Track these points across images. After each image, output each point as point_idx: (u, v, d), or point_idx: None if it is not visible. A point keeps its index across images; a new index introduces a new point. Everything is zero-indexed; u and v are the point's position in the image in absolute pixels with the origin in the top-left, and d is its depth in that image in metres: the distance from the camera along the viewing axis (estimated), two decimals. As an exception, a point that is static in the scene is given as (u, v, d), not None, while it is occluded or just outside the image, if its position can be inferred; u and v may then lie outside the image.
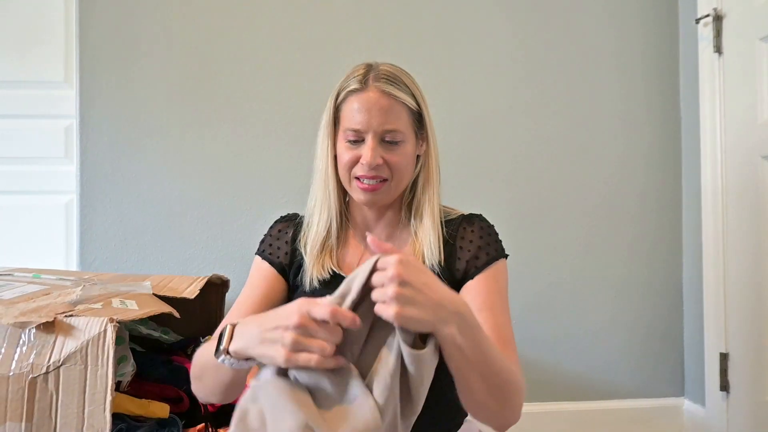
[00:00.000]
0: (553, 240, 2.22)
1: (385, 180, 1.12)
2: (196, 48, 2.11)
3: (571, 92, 2.22)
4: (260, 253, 1.24)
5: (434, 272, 1.10)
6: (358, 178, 1.12)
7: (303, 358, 0.78)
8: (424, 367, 0.81)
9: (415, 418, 0.84)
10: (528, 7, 2.22)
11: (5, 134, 2.22)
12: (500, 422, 0.97)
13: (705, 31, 2.08)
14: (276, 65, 2.13)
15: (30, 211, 2.22)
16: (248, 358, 0.85)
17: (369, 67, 1.13)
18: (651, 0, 2.26)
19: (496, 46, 2.21)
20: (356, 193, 1.14)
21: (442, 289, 0.83)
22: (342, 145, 1.13)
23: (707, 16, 2.05)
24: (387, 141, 1.10)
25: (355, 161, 1.11)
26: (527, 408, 2.16)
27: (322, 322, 0.78)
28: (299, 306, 0.79)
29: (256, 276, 1.21)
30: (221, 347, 0.86)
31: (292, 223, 1.26)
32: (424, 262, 1.12)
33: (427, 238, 1.13)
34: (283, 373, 0.81)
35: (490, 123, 2.19)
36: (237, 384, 0.99)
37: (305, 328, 0.78)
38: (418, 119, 1.15)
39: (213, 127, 2.11)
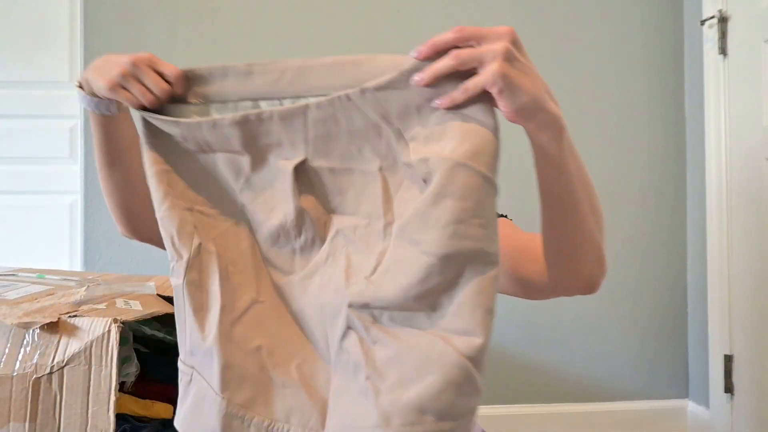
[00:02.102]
0: (557, 241, 2.21)
1: None
2: (200, 49, 2.11)
3: (576, 93, 2.22)
4: None
5: None
6: None
7: (123, 94, 0.77)
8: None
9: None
10: (531, 7, 2.22)
11: (10, 134, 2.22)
12: (599, 269, 0.84)
13: (710, 33, 2.07)
14: (280, 66, 2.13)
15: (34, 211, 2.23)
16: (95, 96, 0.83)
17: None
18: (656, 1, 2.26)
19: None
20: None
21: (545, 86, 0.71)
22: None
23: (712, 17, 2.04)
24: None
25: None
26: (529, 409, 2.17)
27: (155, 73, 0.77)
28: (143, 53, 0.78)
29: None
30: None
31: None
32: None
33: None
34: None
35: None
36: (116, 153, 0.93)
37: (137, 68, 0.76)
38: None
39: (217, 127, 2.11)
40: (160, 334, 1.41)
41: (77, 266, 2.16)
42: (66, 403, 0.99)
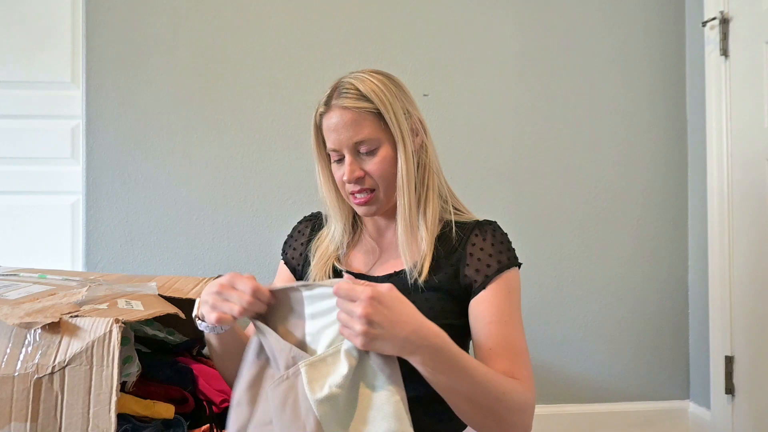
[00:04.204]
0: (557, 242, 2.21)
1: (373, 190, 1.15)
2: (202, 49, 2.12)
3: (577, 94, 2.22)
4: (282, 254, 1.32)
5: (415, 287, 1.13)
6: (353, 194, 1.15)
7: (214, 316, 0.94)
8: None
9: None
10: (533, 9, 2.22)
11: (12, 134, 2.23)
12: None
13: (711, 34, 2.08)
14: (282, 66, 2.13)
15: (36, 211, 2.23)
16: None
17: (336, 86, 1.16)
18: (657, 3, 2.26)
19: (501, 49, 2.21)
20: (356, 208, 1.18)
21: (412, 323, 0.90)
22: (333, 165, 1.18)
23: (714, 19, 2.04)
24: (362, 152, 1.13)
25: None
26: (531, 411, 2.17)
27: (239, 290, 0.94)
28: (226, 277, 0.96)
29: (277, 278, 1.31)
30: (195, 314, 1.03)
31: (311, 223, 1.32)
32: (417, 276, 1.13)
33: (402, 249, 1.15)
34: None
35: (495, 125, 2.19)
36: (229, 355, 1.09)
37: (222, 293, 0.95)
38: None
39: (219, 127, 2.11)
40: (162, 334, 1.41)
41: (79, 266, 2.16)
42: (67, 403, 0.99)
